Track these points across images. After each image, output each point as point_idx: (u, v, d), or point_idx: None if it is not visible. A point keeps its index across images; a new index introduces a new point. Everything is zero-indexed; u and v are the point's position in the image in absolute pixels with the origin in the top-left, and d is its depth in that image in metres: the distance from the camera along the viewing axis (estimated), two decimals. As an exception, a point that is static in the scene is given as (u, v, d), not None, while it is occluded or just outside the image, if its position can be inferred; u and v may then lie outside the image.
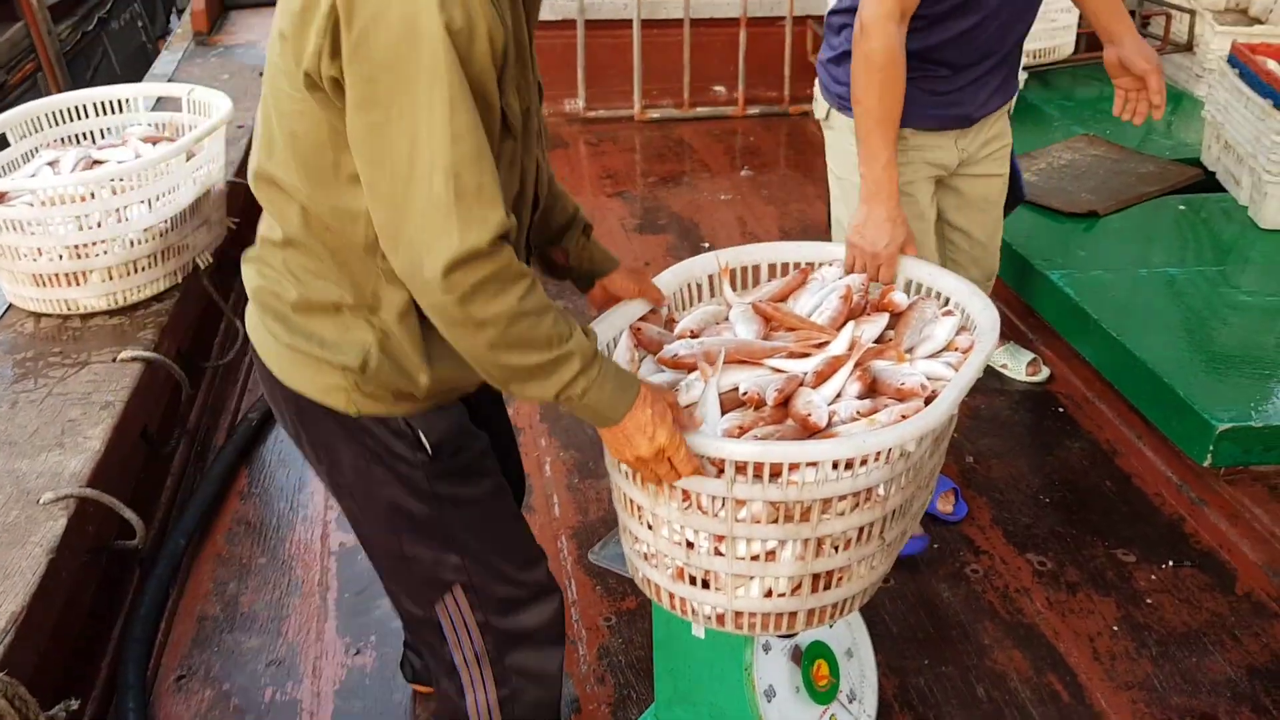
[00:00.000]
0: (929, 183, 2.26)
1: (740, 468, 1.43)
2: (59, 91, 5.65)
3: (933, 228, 2.27)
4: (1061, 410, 3.06)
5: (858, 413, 1.55)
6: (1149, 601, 2.39)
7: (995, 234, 2.49)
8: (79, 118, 3.04)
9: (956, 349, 1.72)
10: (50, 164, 2.81)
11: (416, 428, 1.50)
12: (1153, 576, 2.46)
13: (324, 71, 1.26)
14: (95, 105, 3.07)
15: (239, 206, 3.23)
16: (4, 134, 2.90)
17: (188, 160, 2.77)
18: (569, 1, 4.98)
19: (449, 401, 1.54)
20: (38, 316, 2.72)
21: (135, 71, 6.07)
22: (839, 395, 1.61)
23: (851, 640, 1.93)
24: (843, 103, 2.18)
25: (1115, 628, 2.32)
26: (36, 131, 2.96)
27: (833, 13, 2.25)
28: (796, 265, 1.98)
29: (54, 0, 6.05)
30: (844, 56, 2.15)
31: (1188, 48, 4.67)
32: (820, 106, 2.31)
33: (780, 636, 1.73)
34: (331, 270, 1.42)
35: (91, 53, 6.53)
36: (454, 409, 1.56)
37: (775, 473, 1.42)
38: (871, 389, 1.63)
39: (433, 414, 1.52)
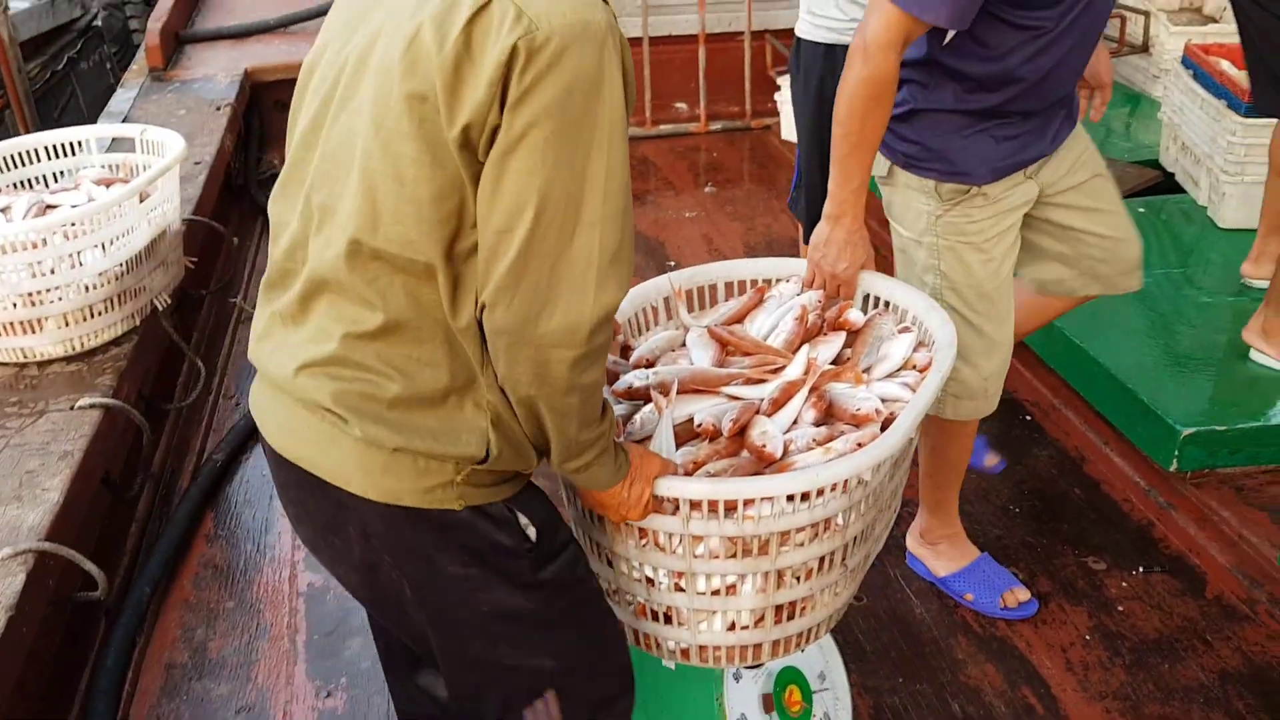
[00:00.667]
0: (1010, 231, 2.15)
1: (695, 504, 1.42)
2: (27, 128, 5.63)
3: (1010, 279, 2.17)
4: (1028, 418, 3.06)
5: (814, 441, 1.54)
6: (1120, 609, 2.39)
7: (1124, 223, 2.29)
8: (31, 162, 3.01)
9: (914, 366, 1.72)
10: (1, 211, 2.77)
11: (517, 511, 1.40)
12: (1123, 584, 2.46)
13: (489, 123, 1.21)
14: (48, 149, 3.03)
15: (196, 246, 3.20)
16: (-45, 182, 2.87)
17: (141, 201, 2.75)
18: None
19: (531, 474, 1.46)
20: (-6, 366, 2.69)
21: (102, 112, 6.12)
22: (795, 422, 1.61)
23: (824, 663, 1.92)
24: (911, 161, 2.09)
25: (1088, 637, 2.32)
26: (-14, 178, 2.93)
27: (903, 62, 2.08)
28: (753, 283, 1.97)
29: (24, 38, 6.03)
30: (913, 114, 2.06)
31: (1144, 49, 4.71)
32: (881, 164, 2.17)
33: (748, 667, 1.72)
34: (441, 353, 1.31)
35: (60, 92, 6.51)
36: (539, 484, 1.49)
37: (731, 508, 1.41)
38: (828, 414, 1.62)
39: (527, 492, 1.43)
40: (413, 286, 1.28)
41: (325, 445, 1.35)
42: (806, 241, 3.20)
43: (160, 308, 2.88)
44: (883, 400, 1.61)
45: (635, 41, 5.22)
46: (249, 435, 3.10)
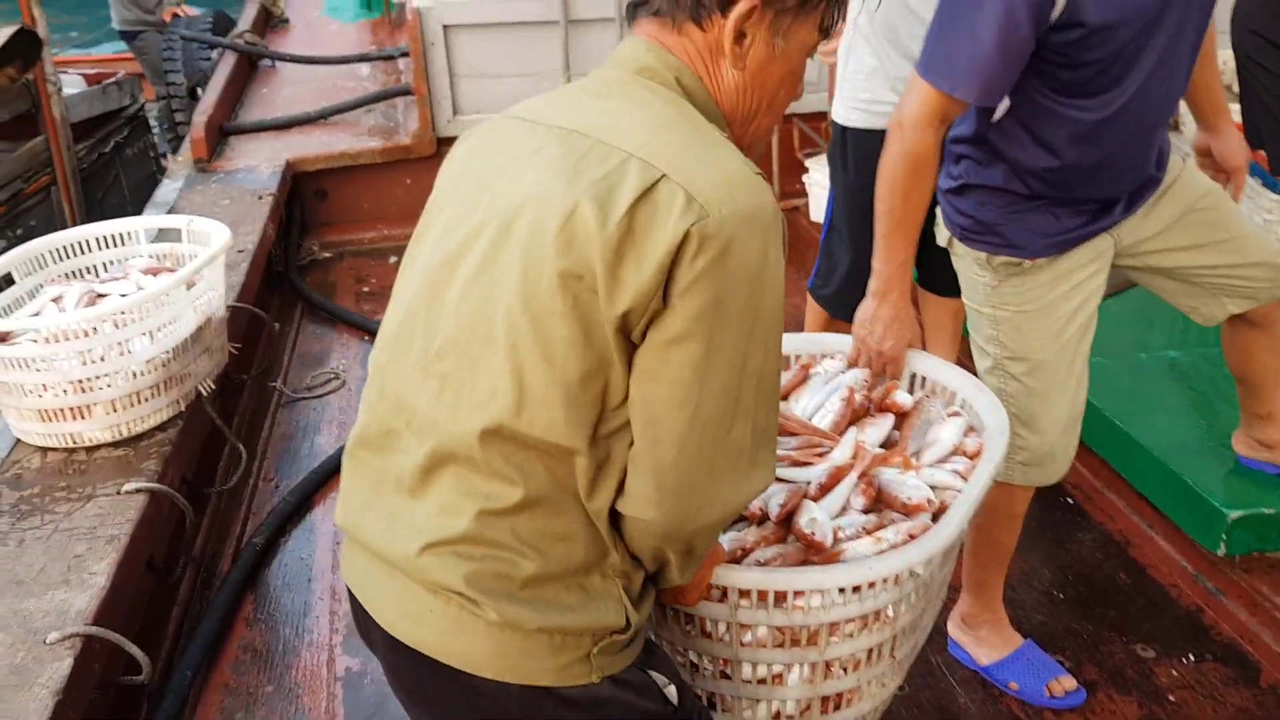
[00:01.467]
0: (1077, 290, 2.09)
1: (744, 593, 1.41)
2: (71, 207, 5.81)
3: (1076, 340, 2.12)
4: (1071, 501, 3.03)
5: (863, 529, 1.54)
6: (1171, 699, 2.34)
7: (1245, 246, 2.17)
8: (82, 253, 3.09)
9: (964, 453, 1.71)
10: (54, 300, 2.84)
11: (650, 672, 1.32)
12: (1174, 672, 2.41)
13: (650, 308, 1.16)
14: (97, 240, 3.11)
15: (239, 331, 3.25)
16: (9, 272, 2.94)
17: (188, 290, 2.81)
18: None
19: None
20: (43, 451, 2.73)
21: (144, 197, 6.32)
22: (844, 509, 1.60)
23: (868, 754, 1.89)
24: (965, 234, 2.10)
25: (1139, 728, 2.27)
26: (41, 268, 3.00)
27: (953, 140, 2.09)
28: (797, 359, 1.98)
29: (76, 120, 6.25)
30: (966, 189, 2.07)
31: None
32: (942, 234, 2.20)
33: (793, 758, 1.69)
34: (576, 527, 1.25)
35: (105, 174, 6.73)
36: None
37: (781, 597, 1.41)
38: (877, 500, 1.62)
39: (648, 647, 1.36)
40: (552, 465, 1.23)
41: (454, 630, 1.26)
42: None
43: (204, 393, 2.92)
44: (933, 488, 1.61)
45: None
46: (287, 519, 3.12)
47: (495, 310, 1.22)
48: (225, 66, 6.04)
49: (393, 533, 1.30)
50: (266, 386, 3.85)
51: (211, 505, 3.18)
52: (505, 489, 1.23)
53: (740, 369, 1.19)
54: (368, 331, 4.20)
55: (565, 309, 1.18)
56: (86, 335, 2.61)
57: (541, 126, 1.29)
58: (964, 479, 1.61)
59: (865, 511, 1.59)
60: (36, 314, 2.79)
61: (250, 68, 6.25)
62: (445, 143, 4.98)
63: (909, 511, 1.57)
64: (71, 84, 6.70)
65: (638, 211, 1.16)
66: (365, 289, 4.70)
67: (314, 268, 4.92)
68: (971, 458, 1.67)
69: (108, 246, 3.12)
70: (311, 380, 3.94)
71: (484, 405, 1.22)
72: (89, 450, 2.72)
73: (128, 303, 2.68)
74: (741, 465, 1.22)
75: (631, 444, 1.23)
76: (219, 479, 3.27)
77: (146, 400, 2.75)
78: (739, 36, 1.28)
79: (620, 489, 1.25)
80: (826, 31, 1.34)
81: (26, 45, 5.47)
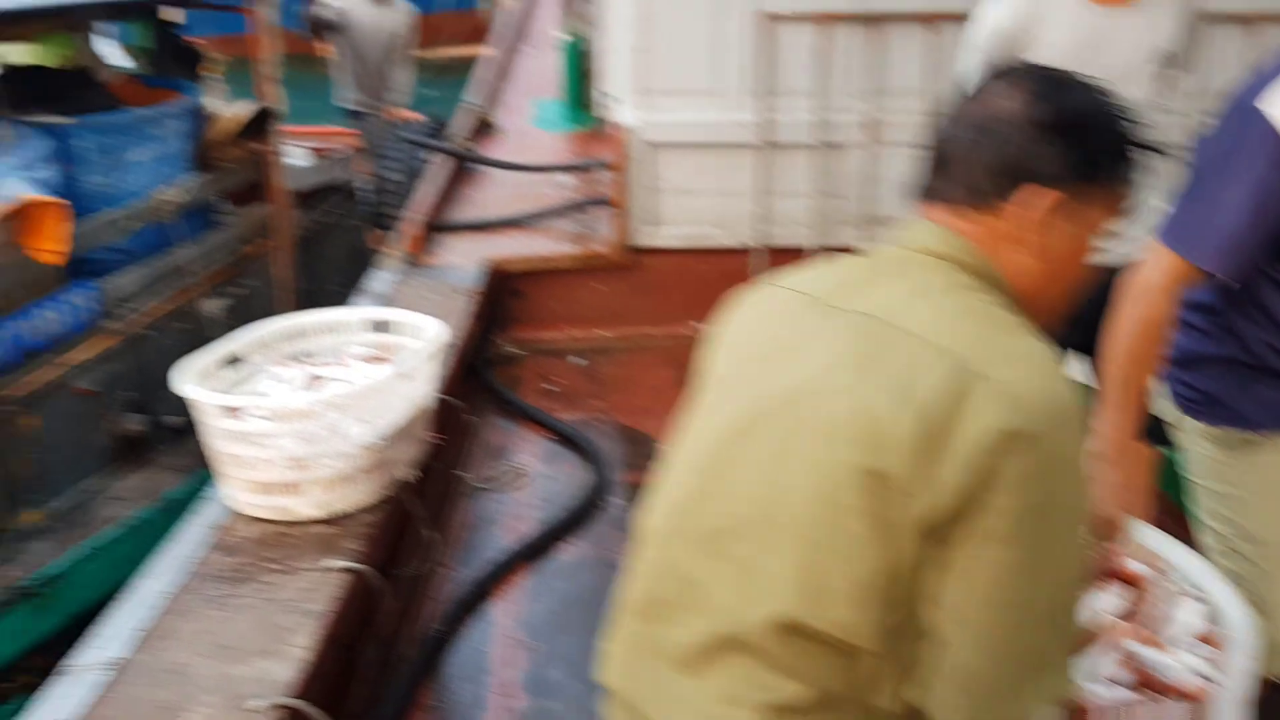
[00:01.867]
0: None
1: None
2: (289, 271, 6.22)
3: None
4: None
5: (1126, 707, 1.49)
6: None
7: None
8: (304, 337, 3.30)
9: (1202, 638, 1.65)
10: (279, 381, 3.04)
11: None
12: None
13: (956, 507, 1.12)
14: (319, 326, 3.32)
15: (440, 423, 3.40)
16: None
17: (404, 382, 2.96)
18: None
19: None
20: (256, 522, 2.89)
21: (349, 268, 6.81)
22: (1100, 678, 1.55)
23: None
24: (1192, 406, 2.06)
25: None
26: (266, 349, 3.21)
27: (1187, 306, 2.03)
28: None
29: (301, 189, 6.73)
30: (1193, 361, 2.03)
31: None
32: (1170, 411, 2.13)
33: None
34: None
35: (317, 243, 7.19)
36: None
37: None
38: (1136, 675, 1.56)
39: None
40: (840, 662, 1.20)
41: None
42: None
43: (406, 480, 3.06)
44: (1191, 674, 1.55)
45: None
46: (467, 609, 3.20)
47: (786, 498, 1.21)
48: (439, 167, 6.39)
49: (664, 707, 1.29)
50: (450, 473, 3.99)
51: (396, 588, 3.28)
52: (790, 684, 1.20)
53: (1057, 571, 1.15)
54: (551, 430, 4.32)
55: (862, 505, 1.15)
56: (309, 416, 2.79)
57: (830, 307, 1.27)
58: (1212, 665, 1.55)
59: (1129, 687, 1.53)
60: (263, 394, 2.99)
61: (460, 169, 6.60)
62: (639, 253, 5.14)
63: (1174, 695, 1.51)
64: (297, 155, 7.23)
65: (944, 407, 1.13)
66: (549, 387, 4.84)
67: (502, 362, 5.10)
68: (1208, 643, 1.61)
69: (328, 333, 3.33)
70: (494, 472, 4.05)
71: (773, 595, 1.20)
72: (298, 525, 2.87)
73: (352, 390, 2.85)
74: (1047, 669, 1.17)
75: (928, 641, 1.18)
76: (405, 563, 3.39)
77: (355, 482, 2.89)
78: (1041, 227, 1.26)
79: (910, 685, 1.20)
80: (1121, 210, 1.31)
81: (260, 118, 5.98)
